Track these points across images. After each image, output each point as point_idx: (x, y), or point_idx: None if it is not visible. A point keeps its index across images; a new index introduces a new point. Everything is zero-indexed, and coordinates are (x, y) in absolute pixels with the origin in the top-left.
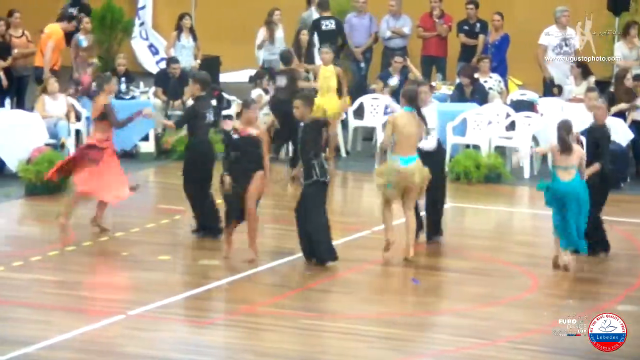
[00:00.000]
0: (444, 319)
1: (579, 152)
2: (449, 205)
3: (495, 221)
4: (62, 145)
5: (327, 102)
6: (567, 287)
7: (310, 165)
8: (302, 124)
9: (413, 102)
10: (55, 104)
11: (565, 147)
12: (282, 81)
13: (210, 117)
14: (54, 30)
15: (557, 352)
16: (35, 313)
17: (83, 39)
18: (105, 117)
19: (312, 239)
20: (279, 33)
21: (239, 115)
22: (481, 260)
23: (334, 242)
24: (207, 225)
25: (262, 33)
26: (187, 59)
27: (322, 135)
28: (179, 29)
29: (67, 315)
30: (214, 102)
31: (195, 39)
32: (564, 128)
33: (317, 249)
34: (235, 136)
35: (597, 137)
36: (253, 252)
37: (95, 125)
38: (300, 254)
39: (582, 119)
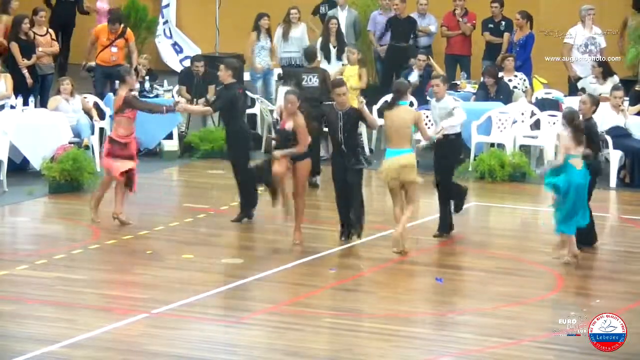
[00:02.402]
0: (469, 318)
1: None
2: (473, 204)
3: (520, 220)
4: (86, 147)
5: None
6: (593, 286)
7: (357, 152)
8: (341, 112)
9: (402, 95)
10: (68, 104)
11: (581, 138)
12: (313, 80)
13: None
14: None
15: (584, 352)
16: (59, 311)
17: None
18: (125, 109)
19: (355, 214)
20: (295, 32)
21: None
22: (506, 259)
23: (358, 241)
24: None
25: (278, 32)
26: (266, 59)
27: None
28: (257, 29)
29: (90, 313)
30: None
31: (271, 40)
32: (577, 117)
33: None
34: (277, 126)
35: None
36: (298, 236)
37: (116, 120)
38: (324, 253)
39: (607, 118)
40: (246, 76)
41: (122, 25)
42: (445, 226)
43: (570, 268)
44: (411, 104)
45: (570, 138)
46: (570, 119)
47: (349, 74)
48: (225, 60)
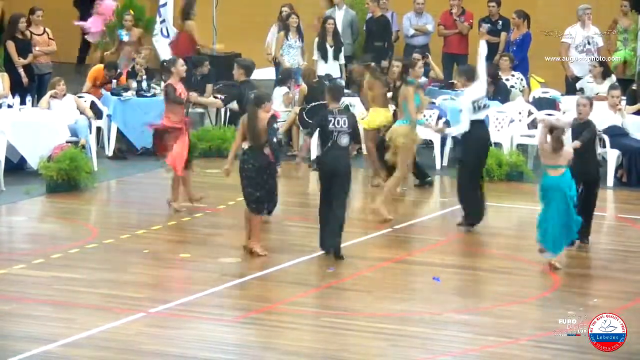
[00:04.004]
0: (467, 317)
1: (568, 153)
2: None
3: (517, 219)
4: (82, 147)
5: (380, 114)
6: (589, 285)
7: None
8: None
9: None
10: (60, 104)
11: (558, 146)
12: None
13: None
14: None
15: (581, 351)
16: (56, 311)
17: (124, 34)
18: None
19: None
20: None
21: None
22: (503, 258)
23: (355, 240)
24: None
25: (274, 29)
26: (295, 58)
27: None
28: (286, 28)
29: (88, 312)
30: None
31: (302, 39)
32: (562, 127)
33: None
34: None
35: (581, 131)
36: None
37: (165, 108)
38: (321, 252)
39: (604, 118)
40: (271, 74)
41: (117, 71)
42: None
43: (568, 267)
44: None
45: (550, 148)
46: (550, 129)
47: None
48: (237, 60)
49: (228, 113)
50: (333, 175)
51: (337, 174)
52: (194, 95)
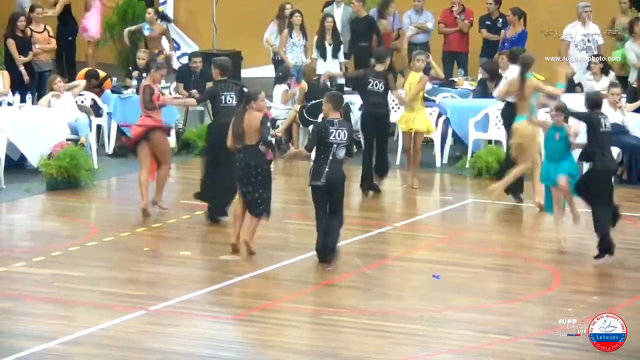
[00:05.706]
0: (467, 315)
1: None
2: (470, 201)
3: (517, 217)
4: (82, 145)
5: (417, 117)
6: (589, 283)
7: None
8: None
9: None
10: (59, 102)
11: None
12: (379, 86)
13: (231, 100)
14: None
15: (581, 349)
16: (56, 308)
17: (146, 28)
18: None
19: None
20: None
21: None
22: (503, 256)
23: (355, 238)
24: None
25: (272, 27)
26: (298, 56)
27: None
28: (290, 26)
29: (88, 310)
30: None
31: (305, 37)
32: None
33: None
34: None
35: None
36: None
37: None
38: None
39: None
40: (271, 72)
41: (99, 80)
42: None
43: (568, 265)
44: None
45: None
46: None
47: (412, 80)
48: (214, 59)
49: None
50: (328, 190)
51: (334, 188)
52: (168, 98)
